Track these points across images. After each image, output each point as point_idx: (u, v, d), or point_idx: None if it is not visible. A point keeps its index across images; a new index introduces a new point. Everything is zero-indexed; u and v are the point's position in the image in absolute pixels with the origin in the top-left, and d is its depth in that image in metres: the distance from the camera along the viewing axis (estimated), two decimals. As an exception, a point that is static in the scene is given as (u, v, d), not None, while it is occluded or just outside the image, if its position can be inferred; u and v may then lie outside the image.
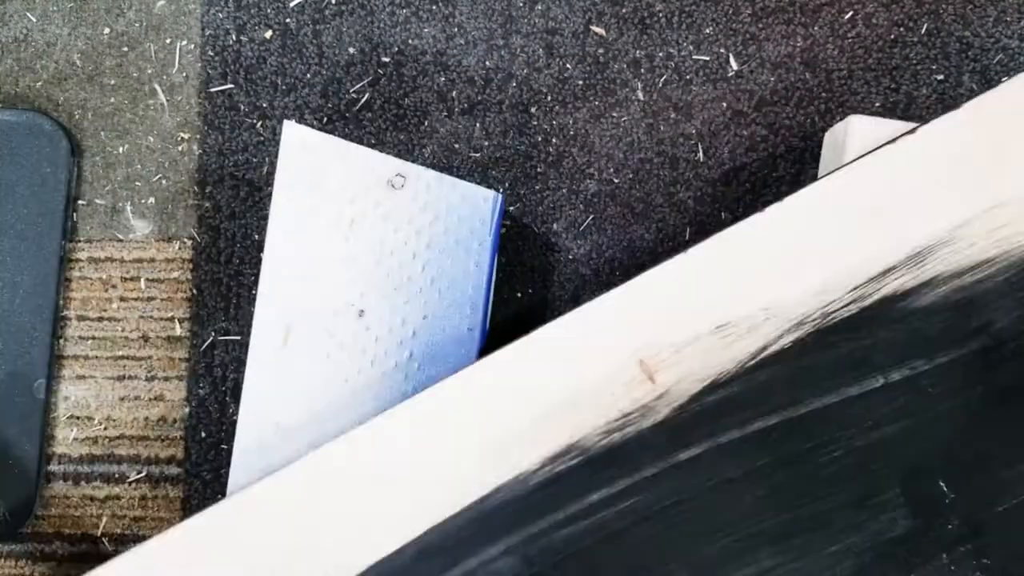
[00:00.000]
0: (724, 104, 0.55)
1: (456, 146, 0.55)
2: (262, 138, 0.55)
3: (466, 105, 0.55)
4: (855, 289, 0.44)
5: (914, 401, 0.44)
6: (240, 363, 0.54)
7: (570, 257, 0.55)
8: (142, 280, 0.54)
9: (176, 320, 0.54)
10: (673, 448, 0.43)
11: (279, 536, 0.43)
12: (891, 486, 0.44)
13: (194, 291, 0.54)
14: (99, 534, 0.54)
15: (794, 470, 0.43)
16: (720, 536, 0.43)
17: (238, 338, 0.54)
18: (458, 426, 0.43)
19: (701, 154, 0.55)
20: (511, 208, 0.54)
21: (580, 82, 0.55)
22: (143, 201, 0.55)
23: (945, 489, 0.44)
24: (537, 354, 0.44)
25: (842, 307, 0.44)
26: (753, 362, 0.43)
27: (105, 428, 0.54)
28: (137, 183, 0.55)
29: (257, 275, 0.53)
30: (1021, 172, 0.44)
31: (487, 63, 0.55)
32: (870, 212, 0.44)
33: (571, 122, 0.55)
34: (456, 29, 0.55)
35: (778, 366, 0.43)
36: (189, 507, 0.54)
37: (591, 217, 0.55)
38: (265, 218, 0.53)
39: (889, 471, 0.44)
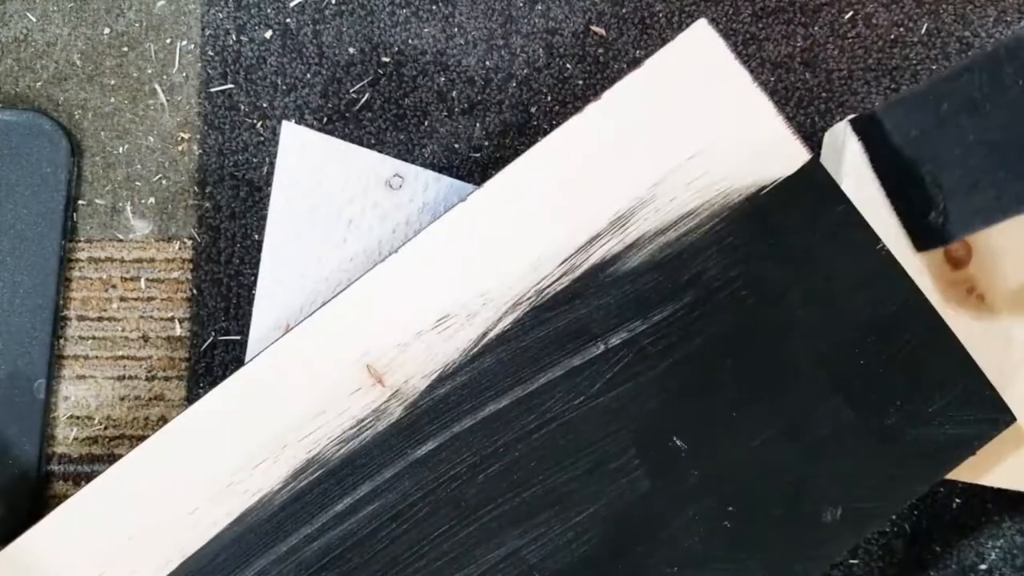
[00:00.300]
0: (724, 104, 0.55)
1: (456, 146, 0.55)
2: (262, 138, 0.55)
3: (466, 105, 0.55)
4: (564, 262, 0.45)
5: (636, 361, 0.45)
6: (240, 363, 0.54)
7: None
8: (142, 280, 0.54)
9: (176, 320, 0.54)
10: (410, 445, 0.44)
11: None
12: (626, 449, 0.45)
13: (194, 291, 0.54)
14: (99, 534, 0.54)
15: (529, 448, 0.45)
16: (467, 524, 0.44)
17: (238, 338, 0.54)
18: (195, 458, 0.45)
19: (701, 154, 0.55)
20: (511, 208, 0.54)
21: (580, 82, 0.55)
22: (143, 201, 0.55)
23: (679, 443, 0.45)
24: (263, 378, 0.45)
25: (554, 282, 0.45)
26: (476, 349, 0.45)
27: (105, 428, 0.54)
28: (137, 183, 0.55)
29: (257, 275, 0.53)
30: (705, 122, 0.45)
31: (487, 63, 0.55)
32: (569, 184, 0.45)
33: (571, 122, 0.55)
34: (456, 29, 0.55)
35: (501, 349, 0.45)
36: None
37: (591, 217, 0.55)
38: (265, 218, 0.53)
39: (622, 434, 0.45)
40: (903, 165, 0.41)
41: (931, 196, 0.40)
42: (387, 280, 0.45)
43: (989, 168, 0.38)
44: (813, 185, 0.45)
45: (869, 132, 0.42)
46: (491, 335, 0.45)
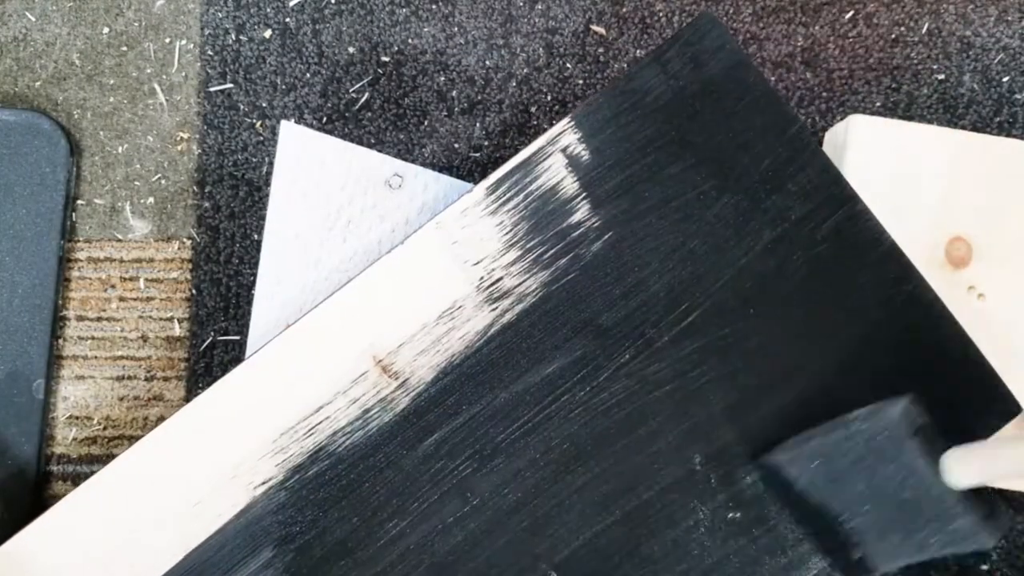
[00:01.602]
0: (724, 104, 0.54)
1: (456, 146, 0.55)
2: (261, 138, 0.55)
3: (466, 105, 0.55)
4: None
5: (643, 347, 0.45)
6: (239, 363, 0.53)
7: (570, 257, 0.55)
8: (141, 280, 0.54)
9: (176, 320, 0.54)
10: (417, 436, 0.45)
11: None
12: (636, 441, 0.45)
13: (193, 291, 0.54)
14: (98, 534, 0.54)
15: (537, 439, 0.45)
16: (474, 515, 0.44)
17: (237, 338, 0.54)
18: (198, 451, 0.45)
19: (701, 154, 0.54)
20: (510, 208, 0.54)
21: (580, 82, 0.55)
22: (142, 201, 0.55)
23: (693, 437, 0.45)
24: (268, 370, 0.45)
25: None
26: (482, 340, 0.45)
27: (104, 428, 0.54)
28: (136, 183, 0.55)
29: (256, 275, 0.53)
30: None
31: (487, 63, 0.55)
32: None
33: (571, 122, 0.55)
34: (456, 29, 0.55)
35: (507, 340, 0.45)
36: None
37: (591, 217, 0.54)
38: (264, 218, 0.53)
39: (628, 426, 0.45)
40: (814, 509, 0.43)
41: (848, 536, 0.42)
42: (393, 272, 0.45)
43: (893, 517, 0.41)
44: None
45: (773, 479, 0.44)
46: (496, 327, 0.45)
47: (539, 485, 0.44)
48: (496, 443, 0.44)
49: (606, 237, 0.45)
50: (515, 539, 0.44)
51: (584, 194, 0.46)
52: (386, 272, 0.45)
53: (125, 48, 0.55)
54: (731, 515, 0.44)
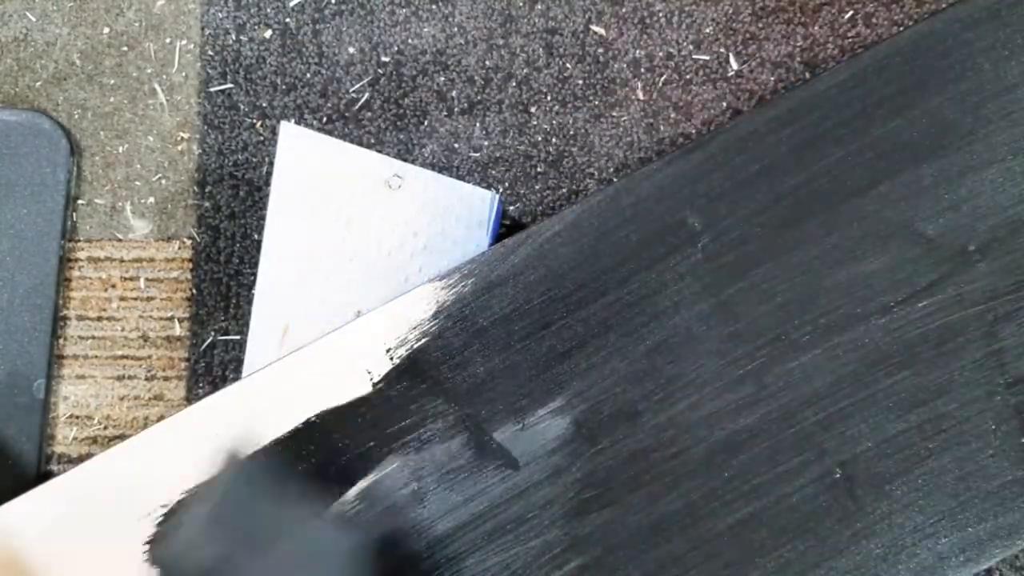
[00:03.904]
0: (724, 104, 0.55)
1: (456, 146, 0.55)
2: (262, 138, 0.55)
3: (466, 105, 0.55)
4: None
5: None
6: (239, 363, 0.54)
7: (569, 257, 0.55)
8: (142, 280, 0.54)
9: (176, 320, 0.54)
10: (725, 319, 0.45)
11: None
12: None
13: (194, 291, 0.54)
14: (98, 533, 0.54)
15: (851, 333, 0.45)
16: (770, 400, 0.45)
17: (238, 338, 0.54)
18: None
19: (701, 154, 0.54)
20: (511, 208, 0.54)
21: (580, 82, 0.55)
22: (143, 201, 0.55)
23: None
24: None
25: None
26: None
27: (105, 428, 0.54)
28: (137, 183, 0.55)
29: (256, 275, 0.53)
30: None
31: (487, 63, 0.55)
32: None
33: (571, 122, 0.55)
34: (456, 29, 0.55)
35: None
36: (188, 507, 0.54)
37: (590, 217, 0.54)
38: (264, 218, 0.53)
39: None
40: None
41: None
42: None
43: None
44: None
45: None
46: None
47: (837, 383, 0.45)
48: (798, 335, 0.45)
49: None
50: (805, 431, 0.44)
51: None
52: None
53: (125, 48, 0.55)
54: None
